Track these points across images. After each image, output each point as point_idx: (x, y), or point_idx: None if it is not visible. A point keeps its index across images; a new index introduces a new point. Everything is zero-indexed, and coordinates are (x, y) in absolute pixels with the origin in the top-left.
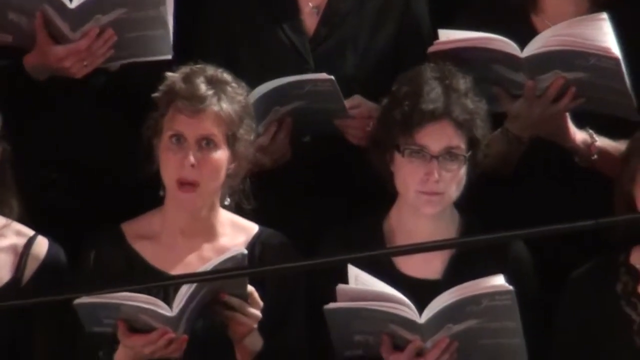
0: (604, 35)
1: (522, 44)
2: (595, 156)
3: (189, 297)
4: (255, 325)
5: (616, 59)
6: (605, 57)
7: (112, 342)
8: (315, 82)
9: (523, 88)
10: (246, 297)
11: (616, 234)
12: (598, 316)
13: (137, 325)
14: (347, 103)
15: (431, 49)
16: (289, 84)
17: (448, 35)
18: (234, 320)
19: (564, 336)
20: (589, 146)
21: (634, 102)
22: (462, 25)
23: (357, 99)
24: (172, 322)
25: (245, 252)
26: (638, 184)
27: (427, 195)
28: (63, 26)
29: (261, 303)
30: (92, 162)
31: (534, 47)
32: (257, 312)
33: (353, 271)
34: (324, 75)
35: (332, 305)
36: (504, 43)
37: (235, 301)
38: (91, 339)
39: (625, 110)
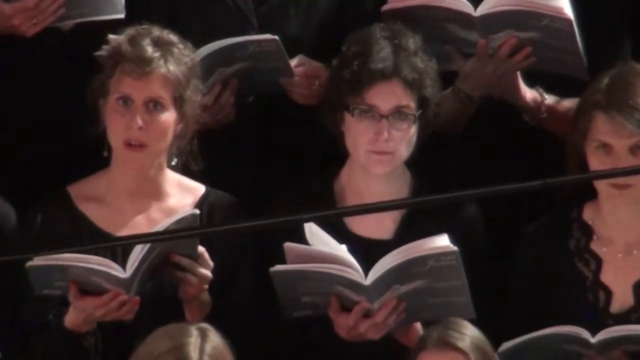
0: (559, 1)
1: (478, 2)
2: (545, 114)
3: (142, 258)
4: (206, 286)
5: (569, 20)
6: (558, 18)
7: (61, 305)
8: (260, 43)
9: (476, 47)
10: (196, 258)
11: (566, 192)
12: (551, 272)
13: (89, 288)
14: (292, 62)
15: (384, 7)
16: (233, 44)
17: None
18: (185, 281)
19: (517, 292)
20: (539, 104)
21: (585, 61)
22: None
23: (301, 58)
24: (125, 283)
25: (198, 212)
26: (589, 142)
27: (377, 155)
28: None
29: (211, 264)
30: (45, 123)
31: (487, 6)
32: (208, 273)
33: (308, 225)
34: (268, 36)
35: (277, 267)
36: (458, 1)
37: (185, 262)
38: (40, 302)
39: (576, 69)
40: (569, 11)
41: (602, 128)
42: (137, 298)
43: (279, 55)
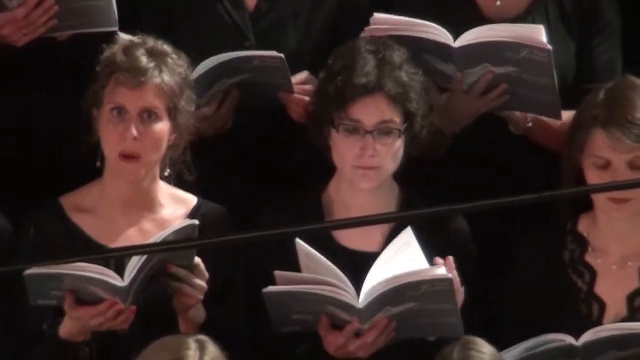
0: (538, 30)
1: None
2: (530, 124)
3: (140, 267)
4: (201, 297)
5: (548, 51)
6: (538, 49)
7: (56, 316)
8: (264, 59)
9: (451, 81)
10: (193, 269)
11: (564, 206)
12: (545, 284)
13: (85, 297)
14: (295, 78)
15: (363, 34)
16: (238, 59)
17: (383, 20)
18: (180, 292)
19: (511, 303)
20: (524, 115)
21: (559, 100)
22: (405, 5)
23: (305, 75)
24: (123, 292)
25: (197, 223)
26: (586, 157)
27: (363, 170)
28: None
29: (207, 275)
30: (40, 134)
31: (467, 38)
32: (203, 284)
33: (302, 248)
34: (274, 53)
35: (270, 289)
36: (438, 32)
37: (181, 272)
38: (35, 313)
39: (550, 108)
40: (548, 44)
41: (601, 144)
42: (134, 307)
43: (282, 73)
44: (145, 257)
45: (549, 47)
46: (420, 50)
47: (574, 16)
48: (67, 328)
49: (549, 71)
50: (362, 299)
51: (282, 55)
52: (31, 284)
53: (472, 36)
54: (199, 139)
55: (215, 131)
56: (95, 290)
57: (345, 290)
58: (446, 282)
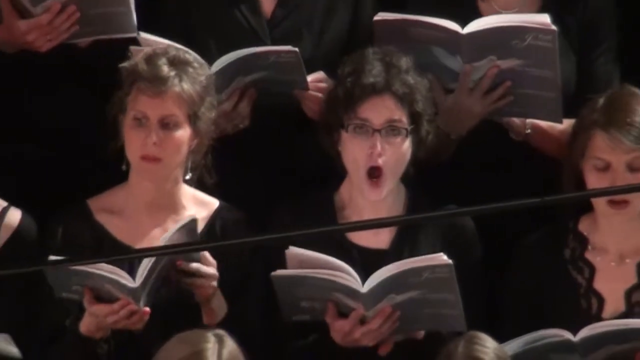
0: (543, 16)
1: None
2: (529, 131)
3: (150, 269)
4: (215, 284)
5: (553, 32)
6: (543, 32)
7: (78, 312)
8: (280, 54)
9: (457, 79)
10: (199, 259)
11: (564, 208)
12: (547, 280)
13: (103, 296)
14: (311, 76)
15: (376, 17)
16: (255, 54)
17: (391, 15)
18: (194, 285)
19: (515, 299)
20: (523, 121)
21: (561, 99)
22: (414, 10)
23: (320, 74)
24: (135, 293)
25: (196, 217)
26: (586, 159)
27: (371, 170)
28: (24, 1)
29: (214, 261)
30: (68, 137)
31: (475, 25)
32: (213, 271)
33: (293, 255)
34: (288, 48)
35: (278, 272)
36: (446, 22)
37: (191, 266)
38: (58, 309)
39: (551, 112)
40: (552, 25)
41: (601, 145)
42: (147, 309)
43: (297, 67)
44: (154, 258)
45: (554, 27)
46: (429, 41)
47: (574, 30)
48: (85, 324)
49: (553, 59)
50: (366, 285)
51: (296, 49)
52: (54, 277)
53: (480, 23)
54: (219, 135)
55: (234, 127)
56: (110, 289)
57: (349, 275)
58: (446, 268)
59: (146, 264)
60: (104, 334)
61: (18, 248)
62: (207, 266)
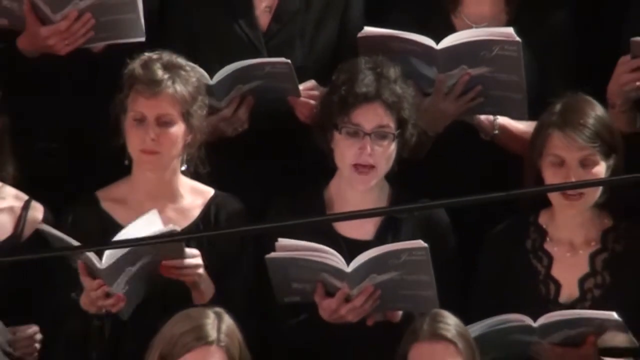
0: (508, 29)
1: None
2: (497, 131)
3: (121, 257)
4: (201, 271)
5: (517, 43)
6: (508, 42)
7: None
8: (274, 65)
9: (433, 85)
10: (184, 256)
11: (525, 201)
12: (510, 268)
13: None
14: (303, 85)
15: (360, 34)
16: (252, 65)
17: (374, 31)
18: (183, 276)
19: (481, 286)
20: (491, 123)
21: (526, 98)
22: (395, 24)
23: (311, 82)
24: (104, 275)
25: (178, 228)
26: (544, 157)
27: (360, 168)
28: (45, 9)
29: (197, 251)
30: (82, 134)
31: (448, 41)
32: (197, 260)
33: (282, 245)
34: (282, 59)
35: (272, 254)
36: (422, 38)
37: (175, 263)
38: (66, 283)
39: (517, 110)
40: (516, 36)
41: (557, 143)
42: (121, 294)
43: (289, 77)
44: (126, 251)
45: (518, 39)
46: (409, 53)
47: (534, 38)
48: (83, 297)
49: (518, 66)
50: (351, 265)
51: (289, 61)
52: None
53: (452, 39)
54: (220, 137)
55: (234, 131)
56: (93, 268)
57: (335, 257)
58: (423, 250)
59: (117, 251)
60: (97, 310)
61: (42, 239)
62: (191, 257)
